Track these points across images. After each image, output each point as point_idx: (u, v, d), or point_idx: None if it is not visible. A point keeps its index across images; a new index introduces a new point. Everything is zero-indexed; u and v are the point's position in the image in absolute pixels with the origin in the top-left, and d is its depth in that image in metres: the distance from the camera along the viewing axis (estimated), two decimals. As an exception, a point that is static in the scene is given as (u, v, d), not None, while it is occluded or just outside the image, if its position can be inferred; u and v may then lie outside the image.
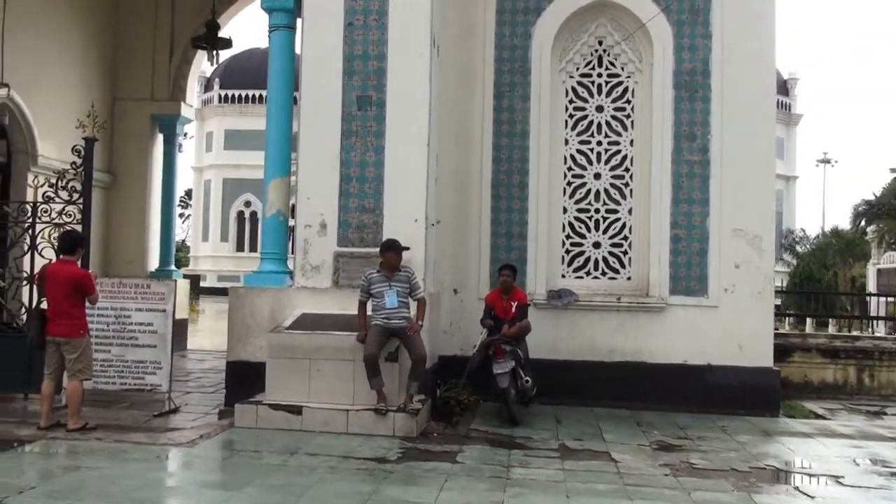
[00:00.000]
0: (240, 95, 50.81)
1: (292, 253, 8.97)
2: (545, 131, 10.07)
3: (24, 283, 9.34)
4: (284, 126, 8.71)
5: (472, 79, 10.07)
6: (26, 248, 9.38)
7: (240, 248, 51.95)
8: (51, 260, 9.25)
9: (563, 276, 10.19)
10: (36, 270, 9.31)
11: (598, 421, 8.52)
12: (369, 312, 7.60)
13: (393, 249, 7.53)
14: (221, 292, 38.70)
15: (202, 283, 40.47)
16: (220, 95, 49.09)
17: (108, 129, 15.46)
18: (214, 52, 12.82)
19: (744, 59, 9.79)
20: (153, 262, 15.80)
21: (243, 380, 8.33)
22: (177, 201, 16.83)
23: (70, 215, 9.37)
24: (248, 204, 52.78)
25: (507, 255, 9.94)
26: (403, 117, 8.43)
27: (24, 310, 9.34)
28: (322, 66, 8.55)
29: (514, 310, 8.51)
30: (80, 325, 7.32)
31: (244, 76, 49.32)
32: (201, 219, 50.13)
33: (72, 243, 7.40)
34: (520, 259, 9.88)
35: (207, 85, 49.33)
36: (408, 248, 7.76)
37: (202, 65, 16.66)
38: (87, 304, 7.58)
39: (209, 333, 18.93)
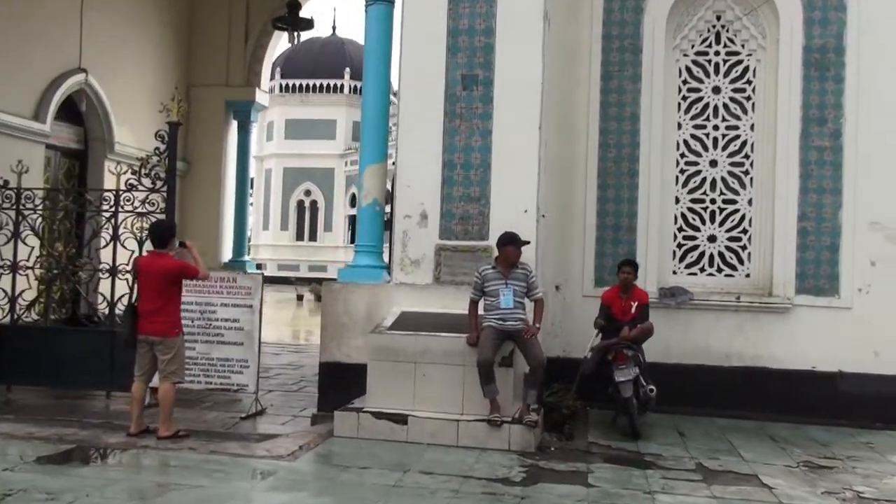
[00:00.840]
0: (300, 85, 50.78)
1: (387, 245, 8.35)
2: (657, 115, 9.22)
3: (106, 275, 8.89)
4: (381, 108, 8.04)
5: (577, 58, 9.26)
6: (108, 238, 8.93)
7: (300, 237, 52.02)
8: (133, 252, 8.84)
9: (675, 273, 9.34)
10: (119, 262, 8.88)
11: (726, 434, 7.70)
12: (480, 312, 6.90)
13: (513, 243, 6.82)
14: (282, 281, 38.66)
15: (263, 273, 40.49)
16: (281, 84, 49.03)
17: (186, 115, 15.07)
18: (296, 33, 12.24)
19: (884, 32, 8.79)
20: (226, 253, 15.41)
21: (337, 382, 7.73)
22: (250, 190, 16.40)
23: (153, 204, 8.88)
24: (308, 193, 52.81)
25: (615, 248, 9.14)
26: (513, 98, 7.69)
27: (104, 303, 8.91)
28: (423, 43, 7.85)
29: (633, 310, 7.74)
30: (175, 323, 6.79)
31: (305, 65, 49.24)
32: (262, 208, 50.24)
33: (164, 235, 6.85)
34: (628, 253, 9.05)
35: (270, 74, 49.35)
36: (528, 243, 7.03)
37: (276, 49, 16.20)
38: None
39: (273, 325, 18.48)
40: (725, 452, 6.93)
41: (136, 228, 8.88)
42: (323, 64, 51.70)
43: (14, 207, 9.07)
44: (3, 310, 9.08)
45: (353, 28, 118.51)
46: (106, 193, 8.97)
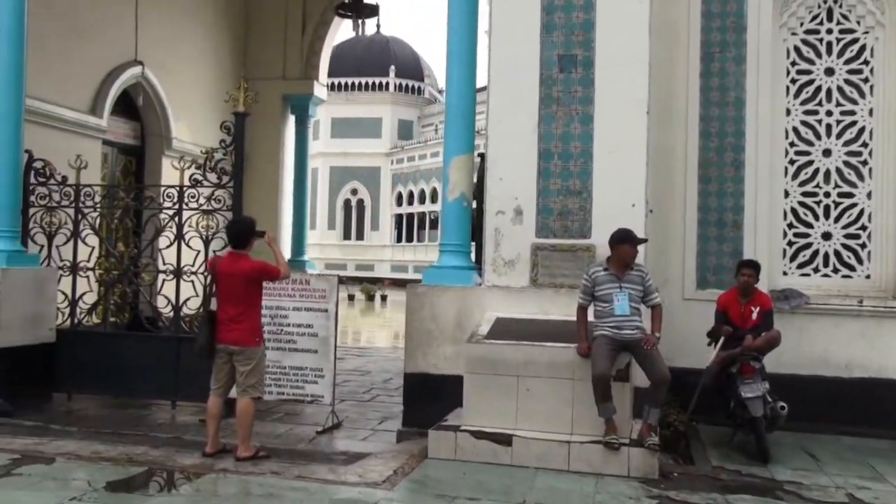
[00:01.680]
0: (346, 83, 50.47)
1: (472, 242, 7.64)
2: (764, 99, 8.33)
3: (170, 276, 8.32)
4: (466, 93, 7.31)
5: (675, 38, 8.39)
6: (172, 237, 8.36)
7: (346, 236, 51.72)
8: (198, 252, 8.25)
9: (785, 273, 8.46)
10: (183, 262, 8.31)
11: (863, 457, 6.82)
12: (590, 318, 6.15)
13: (629, 241, 6.05)
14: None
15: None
16: (327, 83, 48.63)
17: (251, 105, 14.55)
18: (360, 21, 11.58)
19: None
20: (285, 252, 14.85)
21: (424, 395, 7.04)
22: (309, 186, 15.84)
23: (219, 200, 8.29)
24: (354, 192, 52.49)
25: (719, 246, 8.30)
26: (616, 79, 6.92)
27: (168, 307, 8.34)
28: (515, 20, 7.12)
29: (755, 316, 6.90)
30: (255, 330, 6.14)
31: (350, 63, 48.80)
32: (308, 206, 49.84)
33: (244, 234, 6.19)
34: (733, 252, 8.21)
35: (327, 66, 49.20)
36: (644, 241, 6.24)
37: (335, 40, 15.59)
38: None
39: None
40: (872, 479, 6.07)
41: (202, 227, 8.31)
42: (368, 62, 51.36)
43: (73, 205, 8.55)
44: (62, 314, 8.57)
45: (399, 26, 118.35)
46: (169, 190, 8.39)
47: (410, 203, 51.86)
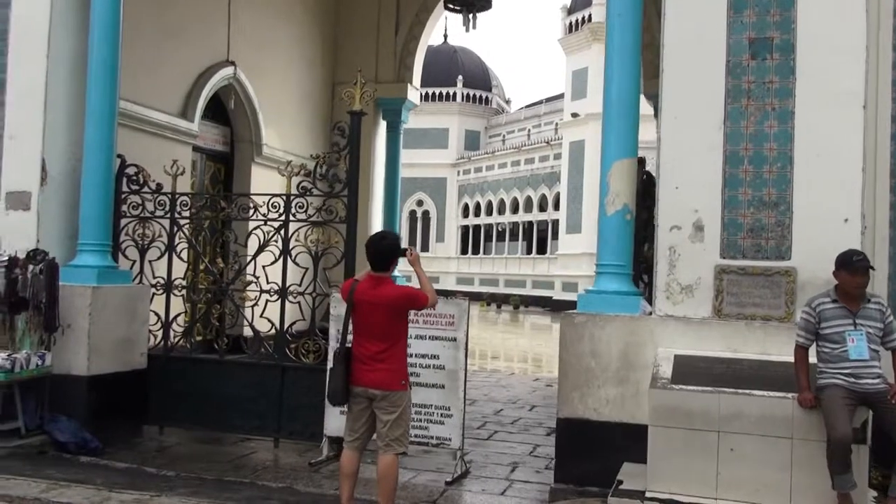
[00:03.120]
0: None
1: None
2: (972, 95, 7.01)
3: (274, 297, 7.36)
4: (630, 86, 6.16)
5: (849, 17, 7.13)
6: (277, 253, 7.41)
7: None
8: (306, 269, 7.28)
9: None
10: (289, 281, 7.33)
11: None
12: (811, 360, 4.93)
13: (845, 267, 4.83)
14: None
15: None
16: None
17: (330, 115, 13.71)
18: (471, 15, 10.55)
19: None
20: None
21: (581, 445, 5.89)
22: (400, 195, 14.86)
23: (331, 211, 7.32)
24: (420, 203, 51.72)
25: (916, 270, 6.98)
26: (823, 68, 5.70)
27: (273, 329, 7.39)
28: (695, -2, 5.97)
29: None
30: (401, 371, 5.02)
31: (419, 73, 48.08)
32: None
33: (389, 252, 5.11)
34: (935, 277, 6.90)
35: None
36: (871, 268, 4.98)
37: (431, 40, 14.63)
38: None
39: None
40: None
41: (311, 241, 7.33)
42: (435, 72, 50.65)
43: (169, 216, 7.67)
44: (155, 336, 7.69)
45: (467, 36, 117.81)
46: (275, 199, 7.44)
47: (477, 215, 50.96)
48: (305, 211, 7.35)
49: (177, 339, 7.74)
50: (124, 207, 7.72)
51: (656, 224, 5.94)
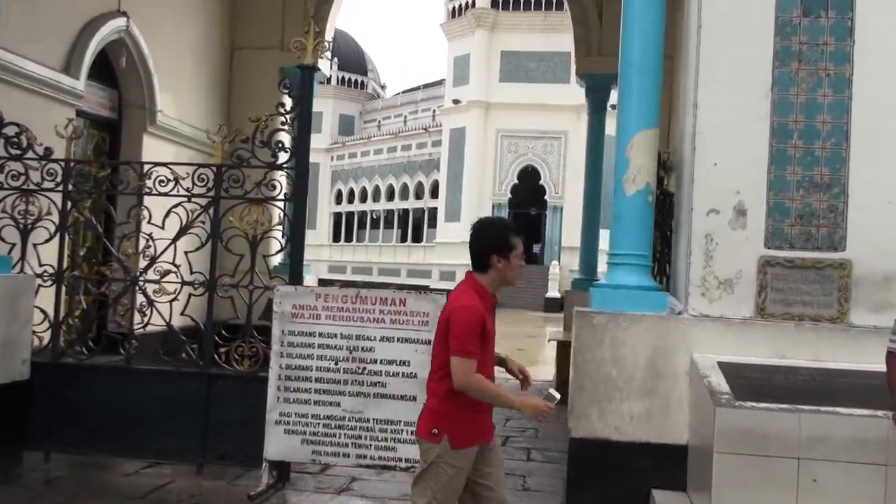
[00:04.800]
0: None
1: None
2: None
3: (200, 290, 5.97)
4: (652, 48, 5.22)
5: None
6: (205, 236, 6.01)
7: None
8: (241, 256, 5.91)
9: None
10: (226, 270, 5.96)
11: None
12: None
13: None
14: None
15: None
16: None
17: (228, 84, 12.15)
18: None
19: None
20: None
21: (600, 470, 4.92)
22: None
23: (274, 186, 5.99)
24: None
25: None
26: (887, 28, 4.96)
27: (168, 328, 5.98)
28: (736, -57, 5.09)
29: None
30: (436, 412, 3.51)
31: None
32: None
33: (488, 246, 3.48)
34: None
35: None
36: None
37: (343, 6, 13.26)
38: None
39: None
40: None
41: (248, 223, 5.97)
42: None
43: (61, 189, 6.08)
44: (41, 339, 6.10)
45: (342, 19, 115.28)
46: (202, 171, 6.02)
47: (350, 201, 49.63)
48: (241, 185, 5.98)
49: (69, 342, 6.18)
50: (1, 177, 6.06)
51: (691, 206, 5.03)
